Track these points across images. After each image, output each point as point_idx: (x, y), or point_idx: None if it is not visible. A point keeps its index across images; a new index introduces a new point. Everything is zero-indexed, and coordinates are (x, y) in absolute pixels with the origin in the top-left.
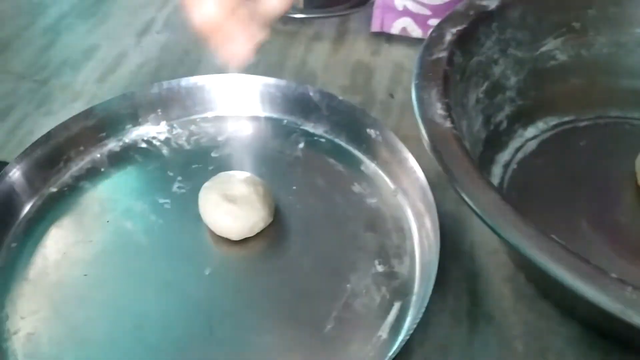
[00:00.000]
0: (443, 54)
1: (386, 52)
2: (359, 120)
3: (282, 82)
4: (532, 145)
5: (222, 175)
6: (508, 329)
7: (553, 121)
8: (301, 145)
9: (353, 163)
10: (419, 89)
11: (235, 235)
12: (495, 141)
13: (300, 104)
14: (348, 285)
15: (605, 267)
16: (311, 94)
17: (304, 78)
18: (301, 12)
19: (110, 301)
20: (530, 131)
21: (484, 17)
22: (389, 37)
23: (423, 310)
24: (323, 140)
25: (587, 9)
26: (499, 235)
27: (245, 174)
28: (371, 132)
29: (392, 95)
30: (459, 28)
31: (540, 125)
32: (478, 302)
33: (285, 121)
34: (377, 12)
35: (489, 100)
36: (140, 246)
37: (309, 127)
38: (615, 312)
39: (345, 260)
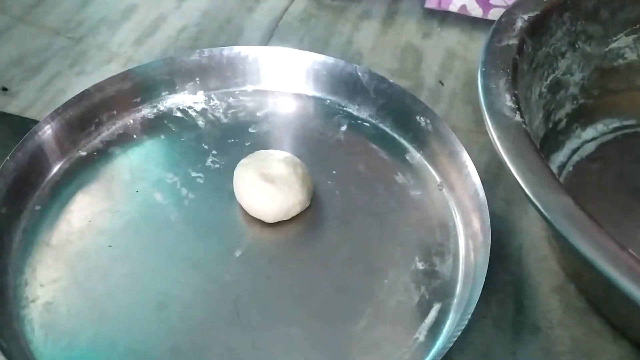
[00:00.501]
0: (514, 41)
1: (438, 36)
2: (408, 107)
3: (329, 60)
4: (590, 147)
5: (261, 152)
6: (554, 343)
7: (614, 124)
8: (344, 127)
9: (398, 151)
10: (486, 77)
11: (270, 218)
12: (552, 140)
13: (346, 85)
14: (385, 281)
15: None
16: (360, 74)
17: (349, 58)
18: None
19: (134, 276)
20: (589, 132)
21: (557, 6)
22: (441, 20)
23: (468, 316)
24: (367, 124)
25: None
26: (569, 244)
27: (285, 154)
28: (421, 120)
29: (441, 83)
30: (531, 15)
31: (600, 127)
32: (523, 311)
33: (328, 101)
34: None
35: (552, 96)
36: (169, 221)
37: (353, 110)
38: None
39: (383, 254)
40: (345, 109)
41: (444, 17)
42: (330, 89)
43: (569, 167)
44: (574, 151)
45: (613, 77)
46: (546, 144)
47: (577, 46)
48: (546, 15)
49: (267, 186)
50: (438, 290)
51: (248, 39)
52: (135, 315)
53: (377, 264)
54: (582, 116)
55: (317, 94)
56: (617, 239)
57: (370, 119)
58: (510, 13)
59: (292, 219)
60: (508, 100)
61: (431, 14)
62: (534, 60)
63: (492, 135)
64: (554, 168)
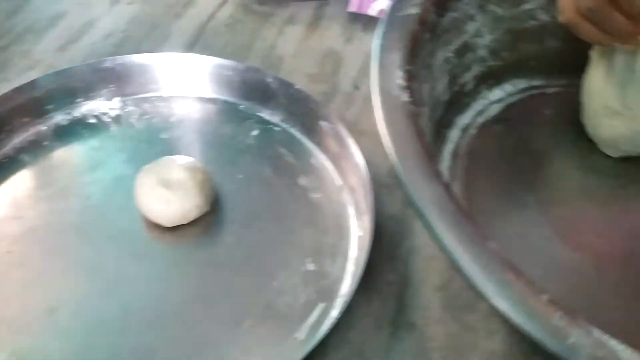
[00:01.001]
0: (414, 10)
1: (359, 40)
2: (313, 112)
3: (239, 66)
4: (495, 109)
5: (165, 158)
6: (429, 340)
7: (521, 84)
8: (255, 132)
9: (304, 155)
10: (382, 50)
11: (167, 222)
12: (457, 103)
13: (258, 90)
14: (275, 283)
15: (545, 253)
16: (269, 80)
17: (271, 63)
18: None
19: (28, 281)
20: (496, 93)
21: None
22: (365, 25)
23: (337, 313)
24: (278, 128)
25: None
26: (430, 233)
27: (188, 159)
28: (324, 124)
29: (357, 87)
30: None
31: (507, 87)
32: (404, 310)
33: (242, 106)
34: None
35: (458, 60)
36: (71, 226)
37: (266, 114)
38: (541, 340)
39: (277, 256)
40: (258, 114)
41: (368, 21)
42: (244, 95)
43: (472, 129)
44: (480, 113)
45: (524, 37)
46: (451, 107)
47: (487, 9)
48: None
49: (164, 191)
50: (325, 290)
51: (172, 45)
52: (25, 320)
53: (269, 266)
54: (490, 78)
55: (231, 99)
56: (481, 232)
57: (281, 124)
58: None
59: (192, 222)
60: (399, 78)
61: (356, 18)
62: (438, 26)
63: (377, 117)
64: (458, 130)
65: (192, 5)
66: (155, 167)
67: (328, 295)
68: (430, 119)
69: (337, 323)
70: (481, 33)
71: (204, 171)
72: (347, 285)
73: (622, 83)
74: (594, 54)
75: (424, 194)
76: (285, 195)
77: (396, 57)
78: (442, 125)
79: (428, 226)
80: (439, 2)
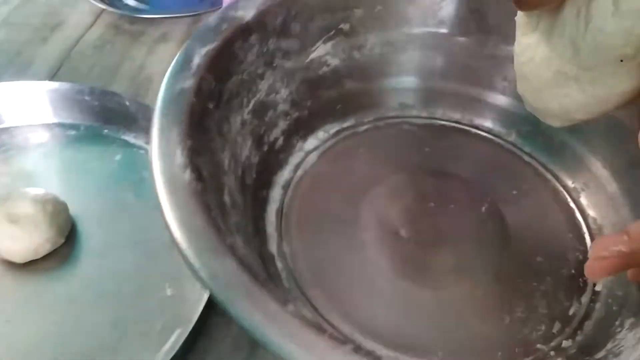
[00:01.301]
0: (189, 83)
1: None
2: None
3: (96, 90)
4: (313, 158)
5: (14, 192)
6: None
7: (334, 128)
8: (118, 156)
9: None
10: (160, 131)
11: (18, 258)
12: (272, 161)
13: (119, 114)
14: (132, 312)
15: (384, 289)
16: (127, 103)
17: (139, 83)
18: (150, 12)
19: None
20: (311, 142)
21: (239, 32)
22: None
23: (193, 337)
24: (142, 152)
25: (354, 9)
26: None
27: (39, 191)
28: None
29: None
30: (210, 48)
31: (321, 134)
32: None
33: (105, 131)
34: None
35: (259, 120)
36: None
37: (130, 138)
38: None
39: (135, 284)
40: (122, 137)
41: None
42: (105, 119)
43: (294, 183)
44: (298, 165)
45: (322, 84)
46: (266, 167)
47: (275, 64)
48: (228, 44)
49: (10, 227)
50: (182, 315)
51: (36, 72)
52: None
53: (125, 295)
54: (300, 129)
55: (95, 124)
56: (280, 297)
57: (145, 146)
58: (187, 49)
59: (46, 257)
60: (179, 156)
61: None
62: (224, 92)
63: (160, 200)
64: (279, 189)
65: (60, 29)
66: (2, 202)
67: (185, 320)
68: (241, 185)
69: (194, 347)
70: (276, 89)
71: (56, 202)
72: (205, 309)
73: (574, 42)
74: (522, 19)
75: (212, 273)
76: (145, 220)
77: (175, 136)
78: (261, 187)
79: (221, 304)
80: (216, 70)
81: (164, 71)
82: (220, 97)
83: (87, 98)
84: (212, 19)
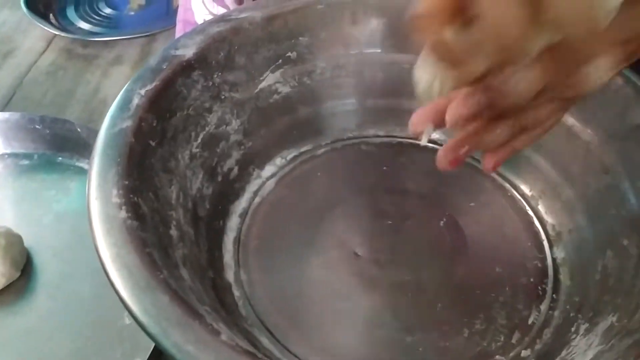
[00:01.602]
0: (127, 124)
1: None
2: None
3: (47, 118)
4: (271, 184)
5: None
6: None
7: (291, 154)
8: (73, 184)
9: None
10: (99, 172)
11: None
12: (227, 191)
13: (71, 141)
14: (89, 343)
15: (342, 310)
16: (79, 130)
17: (93, 107)
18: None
19: None
20: (268, 169)
21: (181, 69)
22: None
23: None
24: None
25: (299, 37)
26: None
27: None
28: None
29: None
30: (149, 88)
31: (278, 161)
32: None
33: (60, 158)
34: (179, 27)
35: (210, 152)
36: None
37: (85, 164)
38: None
39: (93, 314)
40: (76, 164)
41: None
42: (58, 146)
43: (252, 211)
44: (256, 193)
45: (275, 112)
46: (222, 197)
47: (223, 97)
48: (169, 83)
49: None
50: (141, 343)
51: None
52: None
53: (84, 326)
54: (256, 157)
55: (48, 152)
56: (210, 329)
57: None
58: (127, 90)
59: (2, 291)
60: (114, 196)
61: None
62: (168, 129)
63: (95, 241)
64: (236, 217)
65: (12, 56)
66: None
67: (144, 348)
68: (192, 218)
69: None
70: (226, 120)
71: (9, 235)
72: None
73: None
74: None
75: (144, 308)
76: None
77: (112, 176)
78: (216, 217)
79: (153, 338)
80: (157, 108)
81: (119, 94)
82: (163, 135)
83: (38, 127)
84: (152, 59)
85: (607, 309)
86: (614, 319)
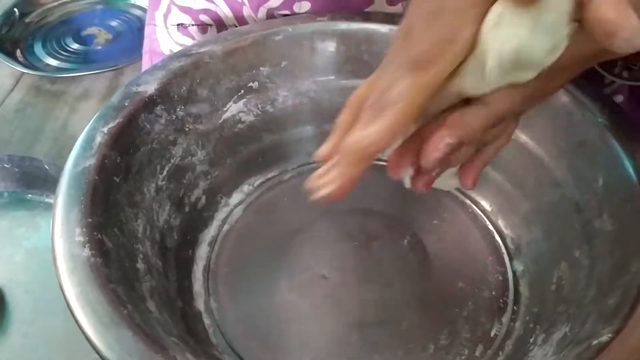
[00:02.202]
0: (90, 162)
1: None
2: None
3: (15, 157)
4: (239, 212)
5: None
6: None
7: (258, 181)
8: (43, 221)
9: None
10: (62, 211)
11: None
12: (196, 220)
13: (39, 178)
14: None
15: (312, 332)
16: (47, 167)
17: (63, 143)
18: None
19: None
20: (236, 197)
21: (143, 105)
22: None
23: None
24: None
25: (260, 67)
26: None
27: None
28: None
29: None
30: (111, 126)
31: (246, 188)
32: None
33: (29, 195)
34: (146, 58)
35: (176, 184)
36: None
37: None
38: None
39: (64, 349)
40: (46, 200)
41: None
42: (28, 184)
43: (220, 239)
44: (224, 221)
45: (240, 141)
46: (190, 227)
47: (186, 129)
48: (131, 119)
49: None
50: None
51: None
52: None
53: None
54: (223, 186)
55: (18, 190)
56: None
57: None
58: (89, 129)
59: None
60: (77, 235)
61: None
62: (132, 165)
63: (59, 279)
64: (205, 246)
65: None
66: None
67: None
68: (160, 249)
69: None
70: (192, 152)
71: None
72: None
73: None
74: None
75: (108, 344)
76: None
77: (75, 215)
78: (185, 247)
79: None
80: (120, 145)
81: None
82: (128, 170)
83: (6, 166)
84: (114, 97)
85: (562, 319)
86: (567, 329)
